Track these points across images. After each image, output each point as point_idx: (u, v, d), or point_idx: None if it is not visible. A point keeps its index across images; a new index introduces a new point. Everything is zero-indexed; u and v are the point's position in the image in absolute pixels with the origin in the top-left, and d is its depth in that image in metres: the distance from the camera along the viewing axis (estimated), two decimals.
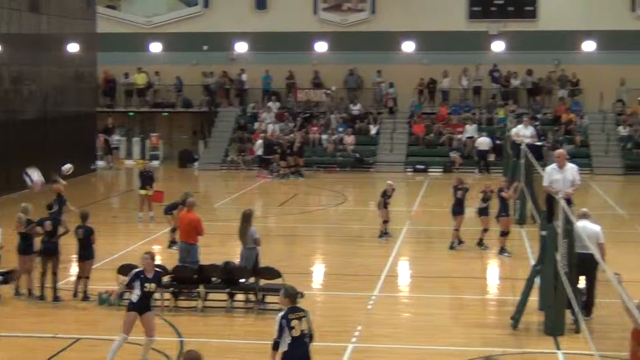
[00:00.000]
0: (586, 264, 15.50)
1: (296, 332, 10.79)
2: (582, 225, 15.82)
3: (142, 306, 13.64)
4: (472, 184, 27.22)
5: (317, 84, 45.12)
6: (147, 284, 13.64)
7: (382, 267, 20.60)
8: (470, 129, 41.59)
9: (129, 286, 13.89)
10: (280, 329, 10.79)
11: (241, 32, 45.60)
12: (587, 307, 15.87)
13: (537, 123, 39.41)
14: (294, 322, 10.82)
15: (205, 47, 45.90)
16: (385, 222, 24.02)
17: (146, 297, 13.69)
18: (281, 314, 10.93)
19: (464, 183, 23.37)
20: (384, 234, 23.96)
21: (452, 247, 22.62)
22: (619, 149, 40.92)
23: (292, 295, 11.13)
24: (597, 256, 13.84)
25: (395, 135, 42.74)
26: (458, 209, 22.73)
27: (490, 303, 18.29)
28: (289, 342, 10.75)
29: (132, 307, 13.66)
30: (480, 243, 22.51)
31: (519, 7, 44.53)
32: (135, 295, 13.66)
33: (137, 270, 13.97)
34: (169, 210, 22.58)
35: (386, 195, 23.90)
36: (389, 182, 24.74)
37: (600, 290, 15.74)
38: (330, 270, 21.23)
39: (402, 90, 44.46)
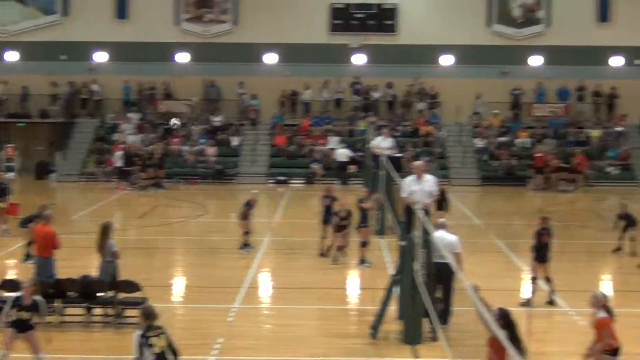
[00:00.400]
0: (443, 273, 15.83)
1: (157, 350, 10.72)
2: (439, 236, 16.16)
3: (22, 326, 13.31)
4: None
5: (168, 95, 44.63)
6: (22, 312, 13.32)
7: (243, 279, 20.52)
8: (332, 141, 41.98)
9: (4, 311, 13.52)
10: (139, 348, 10.70)
11: (101, 41, 44.80)
12: (444, 315, 16.18)
13: (397, 135, 40.10)
14: (153, 340, 10.79)
15: (63, 57, 44.91)
16: (247, 233, 23.96)
17: (22, 320, 13.34)
18: (139, 332, 10.85)
19: (332, 192, 23.62)
20: (245, 245, 23.88)
21: (322, 254, 22.79)
22: (475, 160, 42.02)
23: (150, 315, 11.08)
24: (454, 265, 14.20)
25: (257, 146, 42.78)
26: (327, 217, 22.88)
27: (351, 313, 18.43)
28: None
29: (11, 325, 13.33)
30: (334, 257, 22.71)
31: (379, 22, 45.21)
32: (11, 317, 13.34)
33: (15, 295, 13.66)
34: (25, 223, 21.95)
35: (249, 206, 23.85)
36: (254, 192, 24.69)
37: (457, 299, 16.09)
38: (191, 283, 21.02)
39: (264, 101, 44.58)
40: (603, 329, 12.26)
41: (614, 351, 12.43)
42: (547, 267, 18.20)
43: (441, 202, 25.28)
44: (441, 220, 17.34)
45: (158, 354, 10.76)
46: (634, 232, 23.28)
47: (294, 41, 44.58)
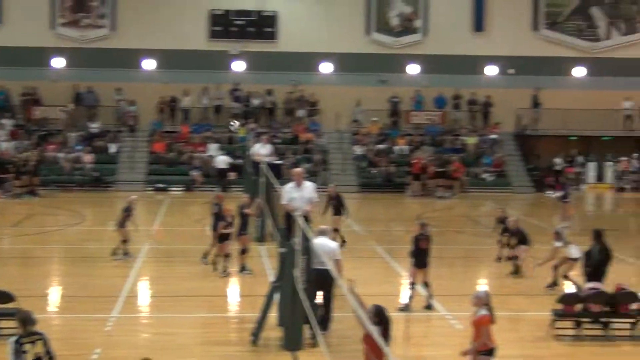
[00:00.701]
0: (323, 280, 15.91)
1: (30, 356, 10.46)
2: (320, 242, 16.23)
3: None
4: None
5: (36, 101, 43.67)
6: None
7: (121, 288, 20.19)
8: (212, 148, 41.79)
9: None
10: (14, 355, 10.42)
11: None
12: (325, 321, 16.25)
13: (277, 142, 40.21)
14: (27, 346, 10.51)
15: None
16: (125, 241, 23.60)
17: None
18: (13, 338, 10.58)
19: (221, 199, 23.48)
20: (124, 254, 23.51)
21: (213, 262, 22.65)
22: (355, 167, 42.41)
23: (27, 320, 10.82)
24: (334, 272, 14.28)
25: (136, 153, 42.24)
26: (217, 224, 22.77)
27: (231, 320, 18.35)
28: None
29: None
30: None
31: (259, 29, 45.23)
32: None
33: None
34: None
35: (128, 212, 23.45)
36: (132, 197, 24.33)
37: (337, 305, 16.18)
38: (68, 292, 20.57)
39: (142, 108, 44.06)
40: (482, 326, 12.48)
41: (489, 351, 12.64)
42: (426, 273, 18.46)
43: (339, 208, 25.64)
44: (322, 227, 17.43)
45: (37, 359, 10.54)
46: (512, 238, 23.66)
47: (173, 47, 44.25)
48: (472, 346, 12.51)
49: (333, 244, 16.66)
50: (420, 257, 18.41)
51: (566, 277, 20.54)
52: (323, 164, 41.96)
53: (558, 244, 20.97)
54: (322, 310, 16.29)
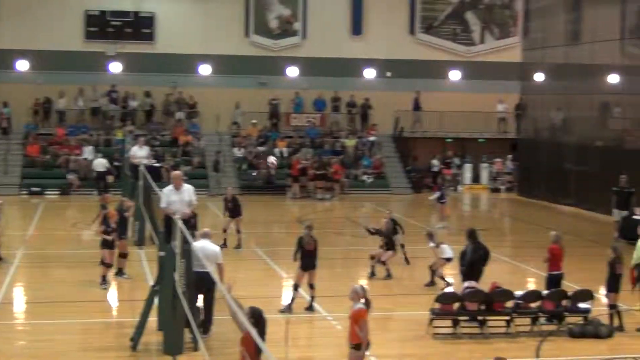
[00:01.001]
0: (203, 283, 15.82)
1: None
2: (201, 245, 16.15)
3: None
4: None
5: None
6: None
7: None
8: (88, 150, 41.03)
9: None
10: None
11: None
12: (206, 325, 16.15)
13: (156, 144, 39.79)
14: None
15: None
16: None
17: None
18: None
19: (107, 201, 23.03)
20: None
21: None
22: (235, 169, 42.28)
23: None
24: (215, 275, 14.22)
25: (9, 156, 41.13)
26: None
27: (111, 326, 18.05)
28: None
29: None
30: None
31: (136, 30, 44.63)
32: None
33: None
34: None
35: None
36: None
37: (218, 308, 16.10)
38: None
39: (16, 110, 42.95)
40: (360, 319, 12.61)
41: (357, 346, 12.72)
42: (313, 275, 18.44)
43: (237, 209, 25.82)
44: (205, 229, 17.36)
45: None
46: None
47: (47, 48, 43.24)
48: (363, 341, 12.65)
49: (214, 247, 16.58)
50: (306, 260, 18.42)
51: (438, 275, 20.96)
52: (201, 167, 41.70)
53: (432, 244, 21.34)
54: (203, 314, 16.19)
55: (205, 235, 16.81)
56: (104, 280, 20.66)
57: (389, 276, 22.11)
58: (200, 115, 44.78)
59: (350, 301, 12.93)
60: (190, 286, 15.49)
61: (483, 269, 18.74)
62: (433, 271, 21.11)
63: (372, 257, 22.44)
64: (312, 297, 18.55)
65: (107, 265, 20.74)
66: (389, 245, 22.22)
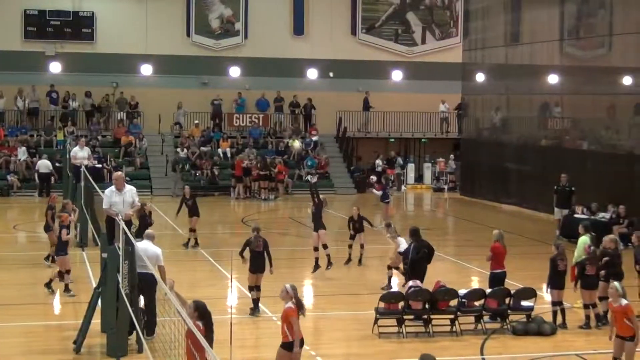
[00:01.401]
0: (146, 284, 15.72)
1: None
2: (144, 246, 16.03)
3: None
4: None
5: None
6: None
7: None
8: (21, 151, 40.27)
9: None
10: None
11: None
12: (149, 326, 16.02)
13: (96, 145, 39.40)
14: None
15: None
16: None
17: None
18: None
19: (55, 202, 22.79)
20: None
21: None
22: (178, 170, 41.90)
23: None
24: (157, 276, 14.15)
25: None
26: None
27: (53, 328, 17.80)
28: None
29: None
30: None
31: (76, 29, 44.19)
32: None
33: None
34: None
35: None
36: None
37: (162, 309, 15.95)
38: None
39: None
40: (289, 318, 12.60)
41: (290, 344, 12.64)
42: (260, 276, 18.35)
43: (195, 209, 26.27)
44: (149, 231, 17.25)
45: None
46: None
47: None
48: (295, 340, 12.63)
49: (156, 249, 16.42)
50: (255, 261, 18.32)
51: (389, 268, 20.98)
52: (143, 167, 41.37)
53: (389, 235, 21.34)
54: (146, 315, 16.05)
55: (148, 237, 16.70)
56: (68, 288, 20.03)
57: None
58: (142, 116, 44.43)
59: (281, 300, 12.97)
60: (134, 288, 15.39)
61: (426, 267, 18.81)
62: (390, 267, 21.02)
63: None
64: (258, 299, 18.45)
65: (67, 272, 20.09)
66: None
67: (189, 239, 26.40)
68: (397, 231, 21.52)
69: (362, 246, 23.77)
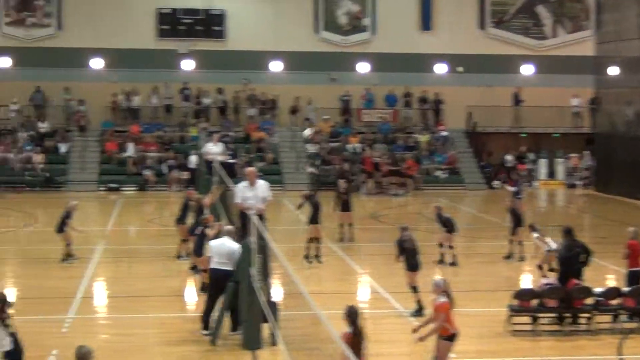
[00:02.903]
0: (221, 280, 16.09)
1: (12, 329, 11.56)
2: (220, 243, 16.35)
3: None
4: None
5: None
6: None
7: (77, 289, 20.00)
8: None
9: None
10: None
11: None
12: (234, 322, 16.17)
13: (227, 140, 40.05)
14: (7, 321, 11.57)
15: None
16: (69, 244, 23.19)
17: None
18: None
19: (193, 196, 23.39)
20: (68, 256, 23.14)
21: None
22: (308, 165, 42.31)
23: (3, 299, 11.78)
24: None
25: (87, 153, 41.82)
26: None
27: (189, 320, 18.16)
28: (10, 339, 11.40)
29: None
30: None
31: (207, 27, 45.04)
32: None
33: None
34: None
35: (68, 216, 23.08)
36: (73, 202, 23.93)
37: (295, 303, 16.09)
38: (22, 294, 20.29)
39: (92, 107, 43.63)
40: (440, 312, 12.77)
41: (451, 337, 12.92)
42: (415, 275, 18.25)
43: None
44: (228, 227, 17.45)
45: (12, 333, 11.48)
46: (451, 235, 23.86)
47: (121, 46, 43.84)
48: (428, 327, 12.98)
49: (233, 245, 16.45)
50: (412, 260, 18.25)
51: (539, 267, 20.64)
52: (275, 163, 41.85)
53: (536, 235, 21.04)
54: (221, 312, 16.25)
55: (228, 233, 16.84)
56: (196, 268, 20.46)
57: (453, 263, 22.56)
58: (273, 112, 44.97)
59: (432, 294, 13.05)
60: (267, 281, 15.65)
61: (581, 267, 18.17)
62: (541, 267, 20.74)
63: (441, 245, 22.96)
64: (419, 301, 18.19)
65: (204, 271, 19.76)
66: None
67: (343, 237, 26.46)
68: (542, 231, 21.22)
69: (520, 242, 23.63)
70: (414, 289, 18.06)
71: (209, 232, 19.12)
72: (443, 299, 12.88)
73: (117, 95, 43.77)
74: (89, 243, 24.59)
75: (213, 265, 16.20)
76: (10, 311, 11.70)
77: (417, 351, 14.59)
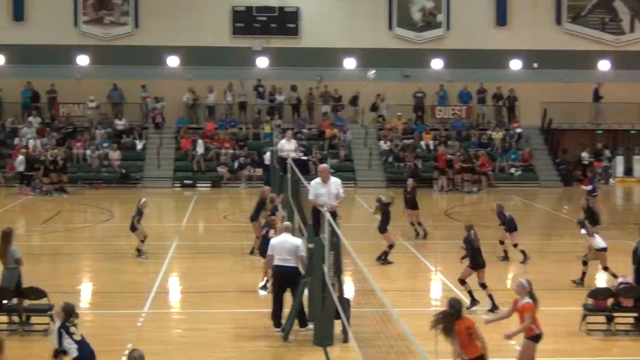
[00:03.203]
0: (286, 277, 16.19)
1: (78, 337, 11.59)
2: (281, 239, 16.43)
3: None
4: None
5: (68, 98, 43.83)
6: None
7: (152, 284, 20.30)
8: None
9: None
10: (60, 337, 11.46)
11: None
12: (301, 319, 16.23)
13: (301, 137, 40.22)
14: (73, 329, 11.64)
15: None
16: (143, 240, 23.62)
17: None
18: (58, 324, 11.71)
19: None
20: (138, 250, 23.59)
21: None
22: (381, 162, 42.35)
23: (71, 311, 11.87)
24: (300, 268, 15.13)
25: (162, 150, 42.36)
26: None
27: (262, 316, 18.28)
28: (76, 346, 11.47)
29: None
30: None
31: (281, 25, 45.28)
32: None
33: None
34: None
35: (139, 214, 23.48)
36: (144, 199, 24.29)
37: (365, 300, 16.12)
38: (98, 289, 20.71)
39: (167, 105, 44.17)
40: (526, 313, 12.91)
41: (536, 337, 13.02)
42: (482, 273, 18.23)
43: (414, 202, 26.58)
44: (286, 223, 17.49)
45: (79, 340, 11.59)
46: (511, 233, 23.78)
47: (196, 44, 44.32)
48: (516, 329, 13.15)
49: (295, 240, 16.60)
50: (478, 258, 18.22)
51: (605, 269, 20.35)
52: (347, 160, 41.87)
53: (584, 231, 20.81)
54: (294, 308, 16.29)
55: (287, 229, 16.90)
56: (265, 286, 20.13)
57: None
58: (346, 108, 45.03)
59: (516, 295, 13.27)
60: (339, 277, 15.69)
61: None
62: (585, 263, 20.55)
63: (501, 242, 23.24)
64: (490, 295, 18.16)
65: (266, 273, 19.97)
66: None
67: (417, 233, 26.52)
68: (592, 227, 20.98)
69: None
70: (483, 285, 18.06)
71: (271, 233, 19.22)
72: (529, 300, 13.01)
73: (194, 92, 44.17)
74: (164, 239, 24.92)
75: (276, 263, 16.29)
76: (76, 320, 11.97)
77: (489, 348, 14.47)
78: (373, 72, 34.85)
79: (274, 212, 21.57)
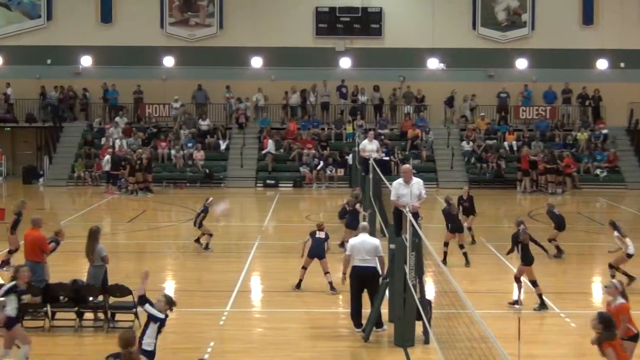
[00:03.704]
0: (365, 277, 16.19)
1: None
2: (360, 240, 16.38)
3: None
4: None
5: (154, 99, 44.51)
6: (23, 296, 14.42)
7: (234, 283, 20.52)
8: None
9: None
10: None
11: (86, 45, 44.74)
12: (378, 319, 16.20)
13: (382, 137, 40.14)
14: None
15: (49, 61, 44.84)
16: (210, 235, 24.47)
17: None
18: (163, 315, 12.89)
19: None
20: (204, 248, 24.37)
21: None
22: (463, 163, 42.07)
23: (172, 302, 12.98)
24: (379, 269, 15.29)
25: (245, 150, 42.71)
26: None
27: (342, 316, 18.35)
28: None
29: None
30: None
31: (365, 25, 45.29)
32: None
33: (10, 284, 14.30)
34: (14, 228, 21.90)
35: (205, 212, 24.24)
36: (210, 198, 24.88)
37: (448, 301, 16.04)
38: (181, 287, 20.98)
39: (249, 105, 44.56)
40: (621, 314, 12.78)
41: (634, 337, 12.90)
42: (531, 270, 18.23)
43: (471, 209, 26.18)
44: (363, 223, 17.53)
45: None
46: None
47: (280, 45, 44.62)
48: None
49: (374, 240, 16.65)
50: (527, 254, 18.31)
51: (610, 267, 20.19)
52: (429, 160, 41.69)
53: (617, 234, 20.39)
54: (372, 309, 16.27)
55: (365, 230, 16.89)
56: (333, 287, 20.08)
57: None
58: (429, 109, 44.85)
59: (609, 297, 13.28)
60: (421, 278, 15.64)
61: None
62: (612, 267, 20.20)
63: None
64: (539, 295, 18.15)
65: (327, 273, 20.03)
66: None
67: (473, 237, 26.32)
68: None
69: None
70: (534, 283, 18.15)
71: (357, 206, 19.62)
72: (622, 300, 12.94)
73: (287, 93, 44.47)
74: (247, 238, 25.11)
75: (356, 263, 16.30)
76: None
77: (572, 353, 14.32)
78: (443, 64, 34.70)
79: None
